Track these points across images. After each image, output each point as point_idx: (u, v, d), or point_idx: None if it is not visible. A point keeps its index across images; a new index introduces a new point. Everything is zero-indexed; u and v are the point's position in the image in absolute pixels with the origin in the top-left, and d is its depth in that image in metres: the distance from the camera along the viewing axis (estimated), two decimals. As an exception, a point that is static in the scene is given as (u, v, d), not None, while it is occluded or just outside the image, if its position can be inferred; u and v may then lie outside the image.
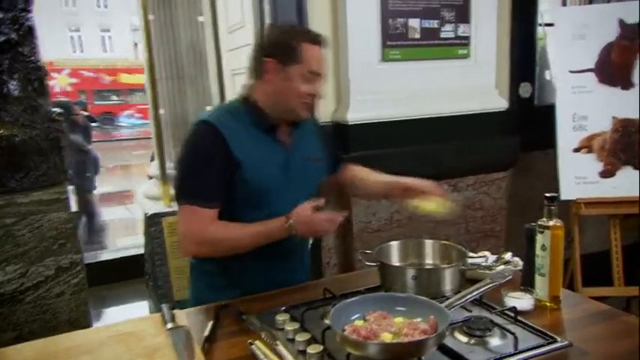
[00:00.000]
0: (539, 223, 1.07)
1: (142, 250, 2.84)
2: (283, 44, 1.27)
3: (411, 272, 1.09)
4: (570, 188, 2.38)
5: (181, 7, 3.46)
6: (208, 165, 1.26)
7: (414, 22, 2.29)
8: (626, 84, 2.37)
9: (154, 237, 2.53)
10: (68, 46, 23.26)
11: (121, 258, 3.20)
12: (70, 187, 2.05)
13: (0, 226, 1.67)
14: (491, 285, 1.01)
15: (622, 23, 2.35)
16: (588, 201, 2.35)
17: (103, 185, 7.27)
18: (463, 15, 2.37)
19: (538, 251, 1.07)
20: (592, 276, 2.40)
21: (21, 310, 1.74)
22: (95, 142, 6.90)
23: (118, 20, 24.05)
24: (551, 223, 1.05)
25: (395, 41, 2.27)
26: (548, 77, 2.87)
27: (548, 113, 2.54)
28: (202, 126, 1.29)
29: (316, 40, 1.29)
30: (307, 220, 1.22)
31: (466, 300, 0.98)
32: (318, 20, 2.21)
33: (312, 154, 1.43)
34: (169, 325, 1.05)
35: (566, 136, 2.40)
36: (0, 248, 1.67)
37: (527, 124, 2.67)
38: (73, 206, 1.89)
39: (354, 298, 0.99)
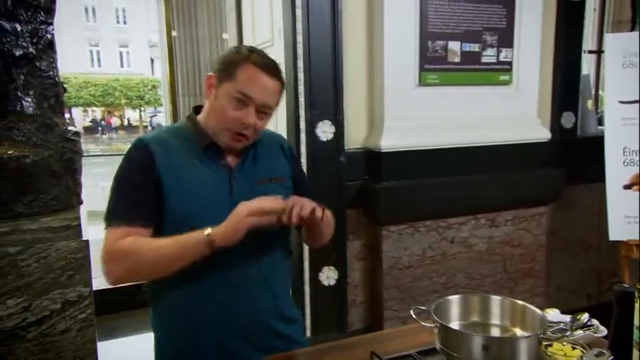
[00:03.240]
0: (639, 286, 0.89)
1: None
2: (225, 60, 1.18)
3: (480, 340, 0.91)
4: (620, 228, 2.18)
5: (205, 24, 3.37)
6: (137, 183, 1.15)
7: (455, 45, 2.15)
8: (682, 117, 2.19)
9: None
10: (87, 60, 23.63)
11: (129, 285, 3.02)
12: (84, 212, 1.90)
13: (3, 256, 1.51)
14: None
15: (678, 52, 2.19)
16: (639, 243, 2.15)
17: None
18: (506, 39, 2.23)
19: (638, 322, 0.88)
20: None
21: (21, 348, 1.57)
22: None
23: (136, 36, 24.43)
24: (655, 288, 0.87)
25: (433, 65, 2.13)
26: (590, 107, 2.70)
27: (591, 145, 2.37)
28: (135, 145, 1.20)
29: (262, 64, 1.14)
30: (233, 218, 1.07)
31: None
32: (353, 39, 2.09)
33: (263, 175, 1.24)
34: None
35: (616, 171, 2.21)
36: (2, 280, 1.51)
37: (570, 156, 2.49)
38: (86, 234, 1.74)
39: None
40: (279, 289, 1.26)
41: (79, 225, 1.67)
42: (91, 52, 24.17)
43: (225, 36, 2.96)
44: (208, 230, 1.07)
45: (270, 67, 1.16)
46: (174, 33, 2.92)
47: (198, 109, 1.27)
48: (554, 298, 2.64)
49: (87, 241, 1.69)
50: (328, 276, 2.16)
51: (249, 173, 1.23)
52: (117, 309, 2.79)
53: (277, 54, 2.22)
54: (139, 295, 3.16)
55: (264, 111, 1.17)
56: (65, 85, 1.81)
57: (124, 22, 24.99)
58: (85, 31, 23.60)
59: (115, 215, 1.16)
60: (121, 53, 24.86)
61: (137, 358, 2.39)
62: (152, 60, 23.80)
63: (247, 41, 2.65)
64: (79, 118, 20.86)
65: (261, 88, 1.14)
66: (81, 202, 1.82)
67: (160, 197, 1.14)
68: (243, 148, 1.23)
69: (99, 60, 24.28)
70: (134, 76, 23.62)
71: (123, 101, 23.09)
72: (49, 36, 1.48)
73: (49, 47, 1.50)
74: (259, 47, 2.57)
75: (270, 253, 1.24)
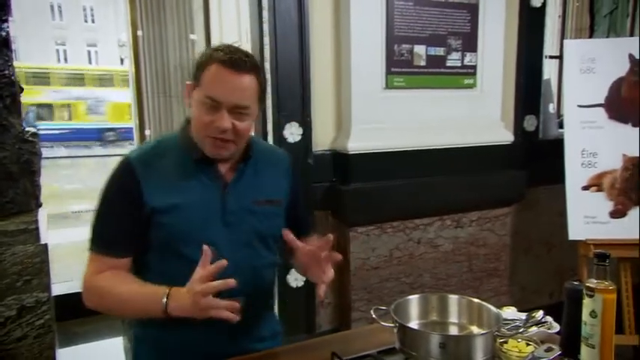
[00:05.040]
0: (588, 284, 0.92)
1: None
2: (196, 64, 1.09)
3: (437, 338, 0.93)
4: (579, 228, 2.26)
5: (172, 24, 3.32)
6: (116, 206, 1.11)
7: (420, 49, 2.19)
8: (637, 121, 2.28)
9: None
10: (54, 59, 22.97)
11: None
12: (44, 215, 1.84)
13: (-45, 261, 1.46)
14: (536, 362, 0.86)
15: (632, 58, 2.28)
16: (598, 242, 2.22)
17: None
18: (470, 43, 2.28)
19: (586, 318, 0.92)
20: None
21: (-26, 357, 1.52)
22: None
23: (105, 35, 23.90)
24: (602, 285, 0.90)
25: (399, 68, 2.16)
26: (551, 110, 2.78)
27: (553, 147, 2.44)
28: (120, 162, 1.14)
29: (225, 60, 1.04)
30: (190, 300, 0.97)
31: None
32: (321, 41, 2.09)
33: (262, 196, 1.17)
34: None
35: (575, 173, 2.29)
36: (-46, 286, 1.46)
37: (532, 158, 2.56)
38: (44, 237, 1.69)
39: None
40: (264, 311, 1.24)
41: (37, 228, 1.62)
42: (58, 51, 23.52)
43: (192, 37, 2.93)
44: (165, 298, 1.00)
45: (235, 61, 1.05)
46: (139, 32, 2.86)
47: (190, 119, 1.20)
48: (518, 296, 2.71)
49: (45, 245, 1.64)
50: (296, 277, 2.16)
51: (246, 191, 1.15)
52: (81, 314, 2.71)
53: (244, 55, 2.22)
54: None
55: (240, 111, 1.07)
56: (23, 89, 1.75)
57: (93, 21, 24.42)
58: (51, 30, 22.94)
59: (95, 242, 1.12)
60: (89, 52, 24.27)
61: (101, 365, 2.34)
62: (122, 60, 23.32)
63: (215, 42, 2.63)
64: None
65: (227, 88, 1.05)
66: (40, 205, 1.77)
67: (145, 223, 1.09)
68: (240, 161, 1.16)
69: (66, 59, 23.63)
70: (103, 75, 23.07)
71: (91, 101, 22.52)
72: (3, 33, 1.44)
73: (3, 45, 1.45)
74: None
75: (261, 280, 1.19)
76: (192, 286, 0.97)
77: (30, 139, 1.63)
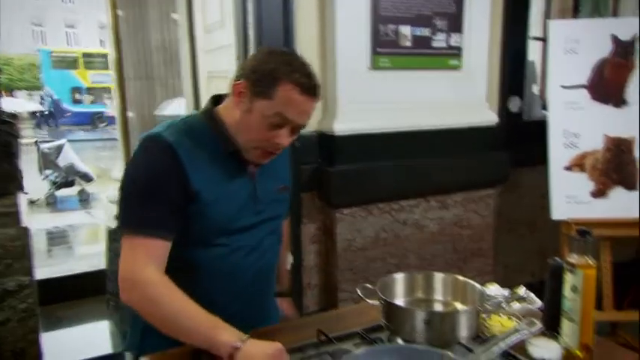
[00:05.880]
0: (569, 260, 0.93)
1: (102, 263, 2.60)
2: (262, 71, 1.04)
3: (422, 315, 0.94)
4: (561, 208, 2.30)
5: (153, 3, 3.25)
6: (160, 190, 1.03)
7: (405, 30, 2.17)
8: (619, 102, 2.31)
9: (118, 253, 2.30)
10: (30, 40, 22.35)
11: (79, 274, 2.93)
12: (24, 199, 1.81)
13: None
14: (518, 337, 0.87)
15: (615, 39, 2.29)
16: (579, 221, 2.26)
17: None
18: (455, 24, 2.27)
19: (567, 293, 0.93)
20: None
21: (-44, 341, 1.50)
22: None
23: (84, 16, 23.30)
24: (583, 261, 0.92)
25: (385, 48, 2.14)
26: (535, 92, 2.80)
27: (537, 129, 2.46)
28: (156, 143, 1.06)
29: (304, 86, 1.03)
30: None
31: (494, 356, 0.84)
32: (305, 21, 2.06)
33: (280, 183, 1.23)
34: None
35: (558, 154, 2.32)
36: None
37: (516, 140, 2.59)
38: (25, 220, 1.66)
39: (360, 352, 0.83)
40: (272, 294, 1.29)
41: (18, 212, 1.60)
42: (34, 32, 22.87)
43: (174, 16, 2.86)
44: (239, 345, 0.92)
45: (312, 87, 1.06)
46: (119, 12, 2.79)
47: (216, 100, 1.17)
48: (501, 275, 2.75)
49: (26, 228, 1.62)
50: (282, 260, 2.16)
51: (269, 179, 1.18)
52: (64, 298, 2.70)
53: (227, 35, 2.18)
54: (87, 283, 3.08)
55: (299, 129, 1.10)
56: (5, 66, 1.70)
57: (71, 1, 23.77)
58: (28, 10, 22.27)
59: (138, 224, 1.03)
60: (67, 34, 23.66)
61: (86, 348, 2.33)
62: (102, 42, 22.81)
63: (198, 22, 2.58)
64: (23, 102, 19.73)
65: (300, 112, 1.05)
66: (21, 188, 1.74)
67: (187, 204, 1.06)
68: None
69: (43, 41, 23.02)
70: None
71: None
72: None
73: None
74: (209, 29, 2.51)
75: (275, 263, 1.25)
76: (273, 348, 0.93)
77: (8, 120, 1.59)
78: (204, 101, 2.55)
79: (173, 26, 3.14)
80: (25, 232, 1.58)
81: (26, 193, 1.68)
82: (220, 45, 2.32)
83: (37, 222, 5.74)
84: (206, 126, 1.12)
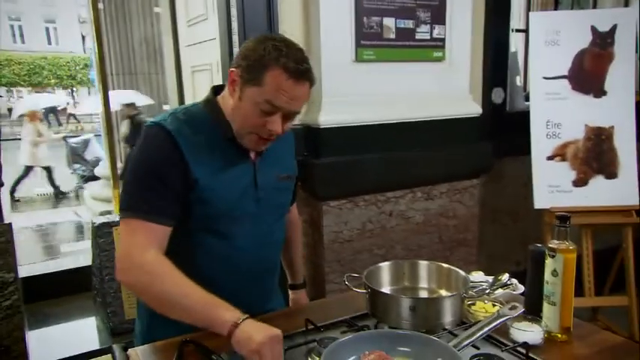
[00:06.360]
0: (550, 245, 0.96)
1: (88, 260, 2.58)
2: (252, 58, 1.04)
3: (407, 302, 0.95)
4: (544, 197, 2.34)
5: (135, -3, 3.21)
6: (162, 175, 1.05)
7: (389, 22, 2.18)
8: (598, 92, 2.35)
9: (103, 249, 2.28)
10: (8, 36, 21.86)
11: (64, 270, 2.90)
12: (4, 194, 1.79)
13: None
14: (501, 321, 0.89)
15: (594, 30, 2.33)
16: (561, 210, 2.31)
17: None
18: (439, 16, 2.28)
19: (548, 277, 0.96)
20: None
21: (-61, 340, 1.48)
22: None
23: (64, 11, 22.84)
24: (563, 246, 0.94)
25: (369, 41, 2.14)
26: (518, 83, 2.83)
27: (520, 119, 2.50)
28: (157, 131, 1.07)
29: (293, 70, 1.02)
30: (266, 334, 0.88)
31: (476, 339, 0.86)
32: (289, 13, 2.06)
33: (283, 172, 1.23)
34: (122, 375, 0.87)
35: (540, 144, 2.36)
36: None
37: (500, 130, 2.62)
38: (7, 217, 1.64)
39: (347, 338, 0.85)
40: (276, 284, 1.31)
41: (0, 207, 1.58)
42: (12, 26, 22.37)
43: (157, 9, 2.83)
44: (241, 320, 0.91)
45: (301, 72, 1.03)
46: (100, 5, 2.75)
47: (216, 90, 1.17)
48: (486, 265, 2.79)
49: (9, 224, 1.60)
50: (270, 253, 2.17)
51: (270, 167, 1.18)
52: (50, 295, 2.67)
53: (211, 29, 2.16)
54: (73, 280, 3.05)
55: (291, 115, 1.10)
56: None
57: (50, -5, 23.29)
58: (3, 4, 21.75)
59: (139, 207, 1.03)
60: (47, 29, 23.19)
61: (73, 345, 2.31)
62: (83, 37, 22.43)
63: (180, 16, 2.56)
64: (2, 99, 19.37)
65: (290, 97, 1.04)
66: (2, 184, 1.72)
67: (188, 192, 1.06)
68: None
69: (22, 36, 22.53)
70: (64, 54, 22.15)
71: (52, 81, 21.67)
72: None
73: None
74: (192, 22, 2.49)
75: (278, 252, 1.28)
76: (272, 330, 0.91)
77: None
78: (188, 95, 2.55)
79: (155, 19, 3.10)
80: (8, 228, 1.56)
81: (2, 185, 1.66)
82: (204, 38, 2.31)
83: (65, 214, 5.77)
84: (206, 115, 1.13)
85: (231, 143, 1.12)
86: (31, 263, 3.30)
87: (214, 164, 1.09)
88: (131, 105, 4.54)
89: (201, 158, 1.07)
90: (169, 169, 1.05)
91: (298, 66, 1.03)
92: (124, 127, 4.76)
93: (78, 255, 3.71)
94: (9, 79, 20.49)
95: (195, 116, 1.12)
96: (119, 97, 4.23)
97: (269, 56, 1.02)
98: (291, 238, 1.41)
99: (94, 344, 2.36)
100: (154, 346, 1.04)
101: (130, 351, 0.99)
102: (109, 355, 0.95)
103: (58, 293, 2.68)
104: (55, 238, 5.22)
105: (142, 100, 4.48)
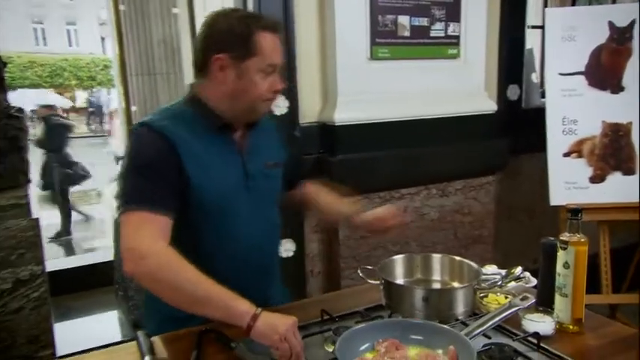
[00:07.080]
0: (562, 238, 0.97)
1: (111, 256, 2.65)
2: (235, 35, 1.08)
3: (420, 293, 0.98)
4: (560, 193, 2.33)
5: (154, -2, 3.28)
6: (159, 169, 1.07)
7: (404, 20, 2.20)
8: (616, 88, 2.33)
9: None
10: (31, 38, 22.33)
11: (87, 265, 2.99)
12: (33, 191, 1.85)
13: (-51, 236, 1.48)
14: (512, 310, 0.91)
15: (612, 25, 2.31)
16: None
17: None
18: (453, 13, 2.29)
19: (560, 269, 0.97)
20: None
21: (-27, 329, 1.55)
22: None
23: (84, 13, 23.25)
24: (574, 238, 0.96)
25: (384, 39, 2.16)
26: (534, 80, 2.82)
27: (536, 116, 2.49)
28: (147, 130, 1.10)
29: (273, 27, 1.12)
30: (282, 329, 0.89)
31: (487, 328, 0.88)
32: (305, 12, 2.09)
33: (270, 159, 1.26)
34: (147, 359, 0.91)
35: (556, 140, 2.34)
36: (-51, 260, 1.48)
37: (515, 127, 2.61)
38: (36, 212, 1.71)
39: (361, 326, 0.88)
40: (275, 274, 1.34)
41: (28, 203, 1.64)
42: (35, 29, 22.85)
43: (175, 10, 2.89)
44: (259, 311, 0.93)
45: (277, 25, 1.14)
46: (122, 7, 2.82)
47: (192, 88, 1.20)
48: (502, 262, 2.77)
49: (37, 219, 1.66)
50: (287, 248, 2.21)
51: (258, 156, 1.22)
52: (73, 289, 2.75)
53: (229, 28, 2.21)
54: (95, 275, 3.13)
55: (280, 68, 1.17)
56: (8, 63, 1.74)
57: (70, -2, 23.72)
58: (27, 8, 22.23)
59: (138, 200, 1.05)
60: (68, 31, 23.64)
61: (95, 339, 2.38)
62: (102, 38, 22.78)
63: (199, 15, 2.61)
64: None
65: (280, 52, 1.14)
66: (29, 181, 1.78)
67: (183, 185, 1.09)
68: (248, 129, 1.21)
69: (44, 38, 23.00)
70: (84, 55, 22.53)
71: (73, 82, 22.06)
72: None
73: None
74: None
75: (275, 241, 1.33)
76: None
77: (16, 114, 1.64)
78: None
79: (174, 20, 3.17)
80: (36, 222, 1.62)
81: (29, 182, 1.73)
82: (221, 38, 2.35)
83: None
84: (190, 111, 1.16)
85: (218, 136, 1.15)
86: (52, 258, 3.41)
87: (204, 158, 1.12)
88: (49, 107, 4.47)
89: (192, 153, 1.10)
90: (165, 164, 1.08)
91: (274, 22, 1.14)
92: (38, 130, 4.53)
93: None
94: (32, 81, 20.94)
95: (179, 114, 1.15)
96: (37, 98, 4.19)
97: (248, 27, 1.09)
98: (316, 192, 1.45)
99: (117, 336, 2.43)
100: (175, 334, 1.08)
101: (154, 339, 1.03)
102: (134, 342, 0.99)
103: (81, 287, 2.76)
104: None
105: (61, 102, 4.46)
